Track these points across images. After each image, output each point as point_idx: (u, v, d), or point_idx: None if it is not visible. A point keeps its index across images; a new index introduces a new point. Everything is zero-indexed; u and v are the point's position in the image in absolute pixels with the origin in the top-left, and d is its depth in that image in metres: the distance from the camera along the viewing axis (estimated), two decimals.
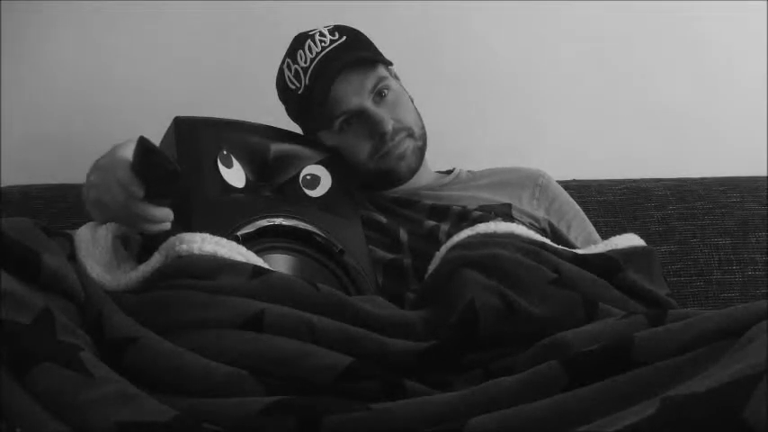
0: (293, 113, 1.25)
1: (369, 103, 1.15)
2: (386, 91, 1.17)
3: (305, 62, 1.16)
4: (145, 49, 1.55)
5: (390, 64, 1.22)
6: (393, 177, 1.20)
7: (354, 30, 1.21)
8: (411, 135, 1.19)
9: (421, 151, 1.22)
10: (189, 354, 0.66)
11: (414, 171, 1.21)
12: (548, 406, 0.55)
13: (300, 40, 1.19)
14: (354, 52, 1.16)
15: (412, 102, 1.24)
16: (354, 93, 1.14)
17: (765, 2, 1.63)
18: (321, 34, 1.18)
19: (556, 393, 0.57)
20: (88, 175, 0.96)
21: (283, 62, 1.21)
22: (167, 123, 1.02)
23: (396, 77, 1.25)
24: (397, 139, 1.16)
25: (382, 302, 0.84)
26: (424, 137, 1.22)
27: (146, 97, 1.53)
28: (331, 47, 1.16)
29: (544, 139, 1.63)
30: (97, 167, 0.94)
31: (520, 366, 0.67)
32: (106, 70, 1.54)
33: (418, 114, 1.23)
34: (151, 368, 0.66)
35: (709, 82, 1.64)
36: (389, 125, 1.14)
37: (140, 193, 0.85)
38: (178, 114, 1.02)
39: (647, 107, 1.64)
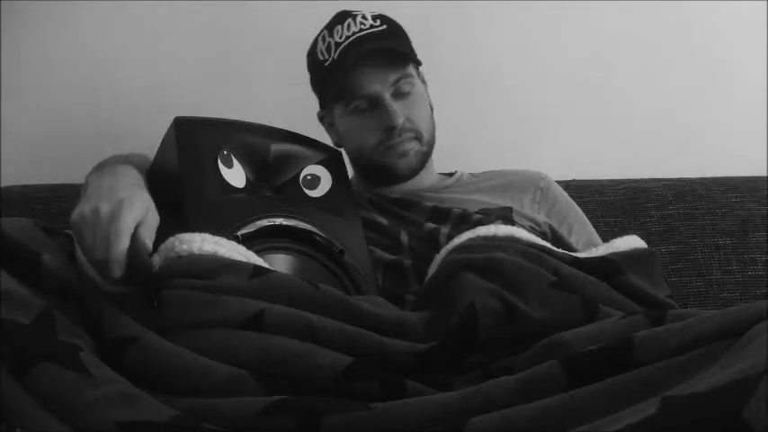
0: (315, 83, 1.25)
1: (387, 95, 1.16)
2: (407, 88, 1.18)
3: (340, 38, 1.17)
4: (145, 49, 1.55)
5: (420, 64, 1.23)
6: (391, 173, 1.20)
7: (396, 23, 1.23)
8: (418, 138, 1.19)
9: (425, 156, 1.22)
10: (189, 354, 0.66)
11: (414, 172, 1.21)
12: (548, 406, 0.55)
13: (341, 17, 1.20)
14: (388, 42, 1.17)
15: (431, 110, 1.25)
16: (376, 80, 1.15)
17: (765, 2, 1.63)
18: (363, 17, 1.19)
19: (556, 393, 0.57)
20: (85, 199, 0.87)
21: (320, 33, 1.22)
22: (167, 123, 1.01)
23: (423, 82, 1.26)
24: (404, 136, 1.17)
25: (382, 302, 0.84)
26: (431, 144, 1.23)
27: (146, 97, 1.53)
28: (369, 31, 1.17)
29: (544, 139, 1.63)
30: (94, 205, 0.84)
31: (520, 367, 0.67)
32: (106, 70, 1.54)
33: (433, 123, 1.24)
34: (151, 368, 0.66)
35: (710, 82, 1.64)
36: (400, 120, 1.15)
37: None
38: (178, 114, 1.02)
39: (647, 107, 1.64)
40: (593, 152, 1.61)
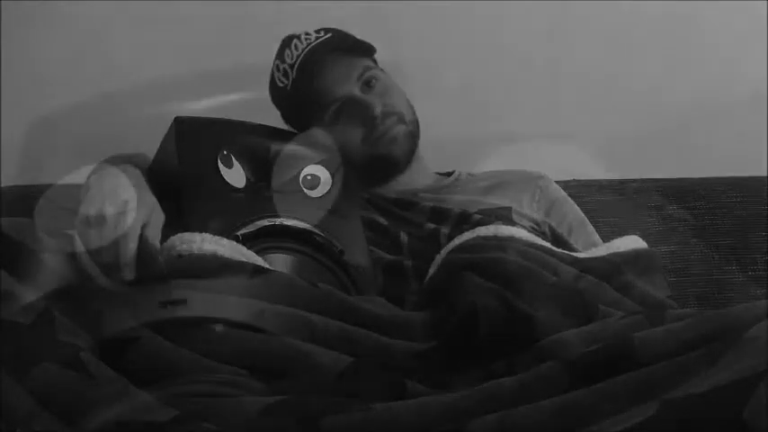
0: (286, 114, 1.26)
1: (356, 91, 1.16)
2: (373, 81, 1.19)
3: (291, 59, 1.17)
4: (146, 49, 1.55)
5: (374, 51, 1.24)
6: (388, 163, 1.20)
7: (339, 29, 1.23)
8: (402, 120, 1.19)
9: (413, 136, 1.22)
10: (189, 354, 0.66)
11: (408, 156, 1.21)
12: (548, 407, 0.55)
13: (287, 41, 1.21)
14: (338, 44, 1.19)
15: (403, 93, 1.25)
16: (341, 82, 1.16)
17: (765, 2, 1.63)
18: (307, 33, 1.20)
19: (556, 394, 0.56)
20: (87, 206, 0.85)
21: (273, 65, 1.22)
22: (167, 123, 1.02)
23: (382, 70, 1.26)
24: (387, 122, 1.17)
25: (382, 302, 0.84)
26: (415, 123, 1.23)
27: (146, 97, 1.53)
28: (316, 42, 1.17)
29: (544, 139, 1.62)
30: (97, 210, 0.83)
31: (520, 367, 0.67)
32: (107, 70, 1.54)
33: (409, 102, 1.24)
34: (151, 368, 0.66)
35: (710, 82, 1.64)
36: (378, 109, 1.15)
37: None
38: (178, 114, 1.02)
39: (647, 107, 1.64)
40: (593, 152, 1.61)
